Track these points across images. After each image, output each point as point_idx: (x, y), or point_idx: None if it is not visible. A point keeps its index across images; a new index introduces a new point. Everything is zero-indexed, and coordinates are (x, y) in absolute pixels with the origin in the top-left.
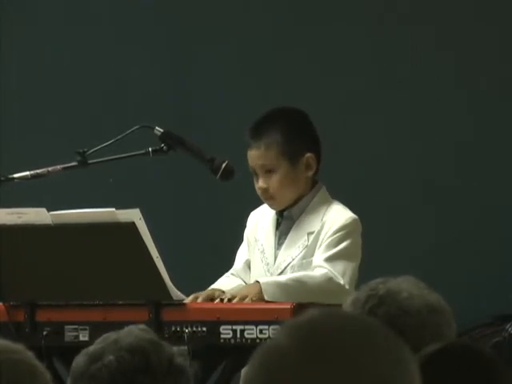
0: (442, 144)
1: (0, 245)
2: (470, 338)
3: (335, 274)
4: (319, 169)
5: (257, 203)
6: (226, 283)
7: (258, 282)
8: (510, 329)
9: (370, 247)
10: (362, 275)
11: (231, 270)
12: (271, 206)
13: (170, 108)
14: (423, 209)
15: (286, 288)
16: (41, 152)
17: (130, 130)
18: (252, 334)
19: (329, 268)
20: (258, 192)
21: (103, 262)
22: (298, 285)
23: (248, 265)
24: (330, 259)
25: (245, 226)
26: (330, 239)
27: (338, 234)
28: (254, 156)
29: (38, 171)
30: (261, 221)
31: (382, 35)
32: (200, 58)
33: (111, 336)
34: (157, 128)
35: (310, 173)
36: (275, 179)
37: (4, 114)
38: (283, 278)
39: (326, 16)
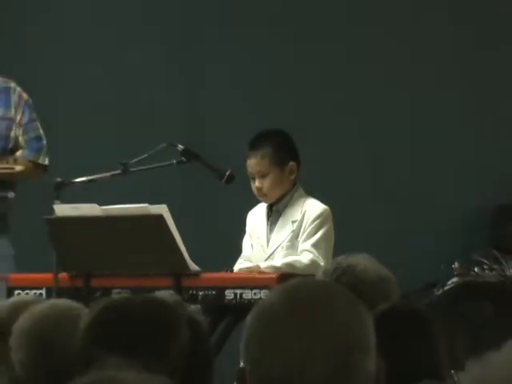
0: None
1: (64, 231)
2: (409, 300)
3: (318, 257)
4: (299, 173)
5: (251, 199)
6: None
7: (258, 265)
8: (436, 292)
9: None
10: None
11: (241, 256)
12: (264, 201)
13: (186, 126)
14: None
15: (279, 270)
16: (89, 162)
17: (159, 147)
18: (248, 295)
19: (314, 252)
20: (254, 191)
21: (139, 243)
22: (289, 268)
23: (252, 248)
24: (313, 245)
25: (245, 222)
26: (310, 227)
27: (316, 222)
28: (252, 164)
29: (93, 177)
30: (256, 216)
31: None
32: (210, 84)
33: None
34: (179, 145)
35: (293, 176)
36: (267, 181)
37: (59, 131)
38: (278, 263)
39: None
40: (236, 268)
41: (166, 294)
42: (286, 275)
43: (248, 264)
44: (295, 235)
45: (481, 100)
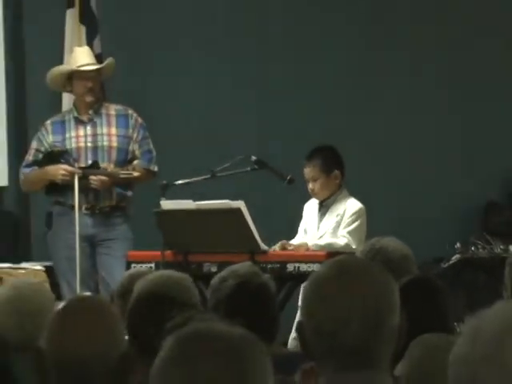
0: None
1: (168, 220)
2: (423, 271)
3: (351, 241)
4: (343, 179)
5: (307, 196)
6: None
7: (306, 243)
8: (443, 266)
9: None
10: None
11: (297, 236)
12: (316, 198)
13: (257, 140)
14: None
15: (322, 248)
16: (186, 168)
17: (238, 157)
18: (304, 268)
19: (348, 238)
20: (309, 191)
21: (223, 229)
22: (329, 247)
23: (305, 232)
24: (349, 232)
25: (302, 213)
26: (348, 219)
27: (353, 217)
28: (307, 171)
29: (189, 180)
30: (310, 208)
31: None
32: (275, 108)
33: (231, 268)
34: (252, 156)
35: (337, 181)
36: (318, 184)
37: (166, 145)
38: (322, 242)
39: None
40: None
41: (247, 265)
42: (332, 253)
43: (299, 241)
44: (338, 225)
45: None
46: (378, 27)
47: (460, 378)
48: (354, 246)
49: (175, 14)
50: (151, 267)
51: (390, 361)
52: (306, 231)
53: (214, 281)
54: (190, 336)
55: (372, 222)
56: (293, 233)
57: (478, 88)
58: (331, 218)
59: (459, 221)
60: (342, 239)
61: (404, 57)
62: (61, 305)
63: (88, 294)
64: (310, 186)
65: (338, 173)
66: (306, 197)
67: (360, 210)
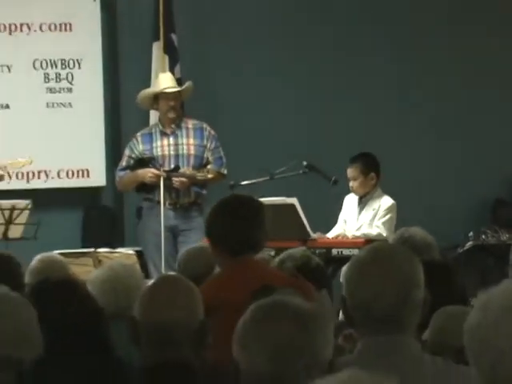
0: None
1: None
2: (443, 256)
3: (384, 230)
4: (379, 180)
5: (348, 192)
6: (335, 232)
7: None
8: (459, 251)
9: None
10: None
11: (337, 224)
12: (355, 194)
13: (308, 146)
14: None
15: (361, 236)
16: (250, 171)
17: (293, 162)
18: (346, 252)
19: (381, 228)
20: (350, 187)
21: (280, 220)
22: (365, 236)
23: (345, 222)
24: (382, 223)
25: (342, 204)
26: (383, 213)
27: (386, 211)
28: (349, 172)
29: (252, 181)
30: (350, 201)
31: None
32: (325, 116)
33: (288, 252)
34: (304, 162)
35: (373, 182)
36: (357, 183)
37: (233, 152)
38: (358, 233)
39: None
40: (333, 232)
41: (301, 250)
42: (369, 240)
43: (340, 231)
44: (373, 217)
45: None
46: (423, 42)
47: (473, 341)
48: (385, 235)
49: (238, 44)
50: None
51: (416, 328)
52: (345, 221)
53: (274, 262)
54: (269, 304)
55: (402, 213)
56: (334, 220)
57: (489, 97)
58: (368, 212)
59: (473, 214)
60: (375, 229)
61: (431, 69)
62: (149, 282)
63: (171, 273)
64: (351, 183)
65: (374, 175)
66: (344, 194)
67: (392, 205)
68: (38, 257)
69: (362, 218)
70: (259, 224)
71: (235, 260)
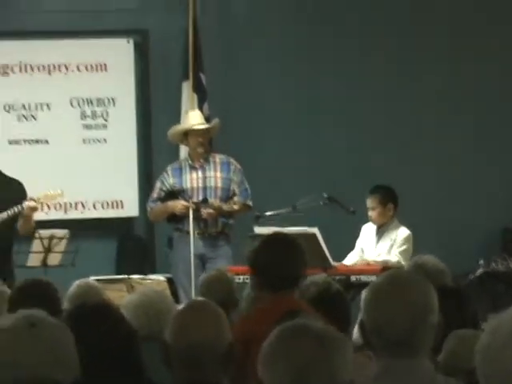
0: None
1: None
2: (455, 282)
3: (401, 258)
4: (396, 211)
5: (365, 221)
6: (351, 258)
7: (365, 259)
8: (470, 278)
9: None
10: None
11: (354, 250)
12: (373, 223)
13: (321, 183)
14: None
15: (379, 263)
16: (273, 203)
17: (313, 195)
18: (364, 279)
19: (399, 257)
20: (369, 218)
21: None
22: (384, 263)
23: (362, 250)
24: (400, 253)
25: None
26: (400, 242)
27: (403, 241)
28: (368, 202)
29: (275, 212)
30: (368, 230)
31: None
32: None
33: (310, 278)
34: (324, 194)
35: (391, 213)
36: (375, 213)
37: (257, 185)
38: (378, 259)
39: None
40: (351, 259)
41: (322, 277)
42: (386, 268)
43: (357, 258)
44: (391, 247)
45: None
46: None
47: (484, 362)
48: (403, 263)
49: (261, 83)
50: (246, 278)
51: (430, 350)
52: (362, 250)
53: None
54: (292, 326)
55: (416, 241)
56: (353, 247)
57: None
58: (386, 241)
59: (483, 243)
60: (394, 257)
61: (446, 86)
62: (180, 307)
63: (200, 298)
64: (370, 213)
65: (392, 206)
66: (362, 223)
67: (408, 236)
68: (76, 283)
69: (379, 247)
70: (301, 263)
71: (275, 295)
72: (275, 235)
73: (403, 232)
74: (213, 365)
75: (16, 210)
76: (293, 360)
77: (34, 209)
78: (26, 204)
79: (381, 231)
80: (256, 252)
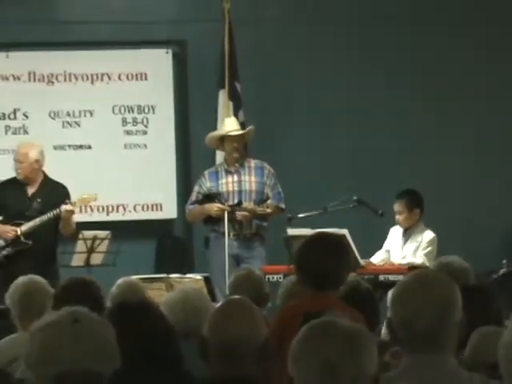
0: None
1: (292, 243)
2: (480, 280)
3: (426, 260)
4: (422, 215)
5: (393, 224)
6: (377, 257)
7: (392, 261)
8: (494, 276)
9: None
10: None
11: (381, 250)
12: (400, 226)
13: (356, 185)
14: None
15: (406, 265)
16: (305, 205)
17: (344, 197)
18: (392, 278)
19: (424, 258)
20: (396, 221)
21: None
22: (410, 264)
23: (388, 252)
24: (425, 254)
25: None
26: (425, 245)
27: (428, 243)
28: (396, 206)
29: (306, 214)
30: (395, 233)
31: None
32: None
33: None
34: (354, 197)
35: (417, 217)
36: (402, 217)
37: (289, 189)
38: (404, 261)
39: None
40: (377, 258)
41: (351, 276)
42: (412, 268)
43: (384, 257)
44: (416, 249)
45: None
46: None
47: (507, 357)
48: (427, 264)
49: (290, 88)
50: (280, 277)
51: (454, 346)
52: (388, 251)
53: None
54: (319, 324)
55: (444, 244)
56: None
57: None
58: (412, 244)
59: (507, 243)
60: (419, 259)
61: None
62: (216, 304)
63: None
64: (397, 216)
65: (418, 210)
66: (390, 225)
67: (433, 238)
68: (119, 281)
69: (406, 249)
70: (345, 264)
71: (317, 294)
72: (320, 235)
73: (428, 235)
74: (248, 358)
75: (54, 212)
76: (320, 357)
77: (71, 212)
78: (63, 207)
79: (407, 234)
80: (300, 251)
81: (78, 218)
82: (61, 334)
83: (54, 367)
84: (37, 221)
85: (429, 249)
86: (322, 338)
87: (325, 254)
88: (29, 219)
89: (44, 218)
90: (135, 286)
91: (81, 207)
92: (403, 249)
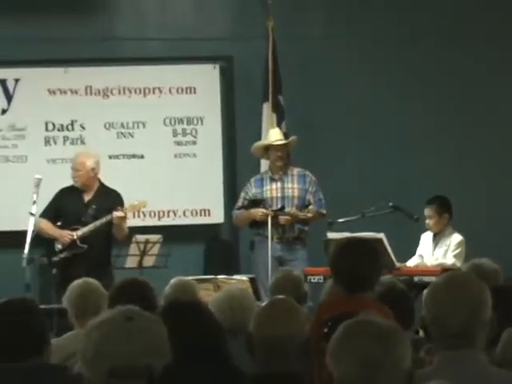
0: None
1: (332, 246)
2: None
3: (455, 262)
4: (451, 219)
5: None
6: (412, 263)
7: (425, 263)
8: None
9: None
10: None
11: (415, 256)
12: (430, 231)
13: (394, 193)
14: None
15: (438, 266)
16: (345, 211)
17: (381, 204)
18: (426, 279)
19: (454, 260)
20: (426, 225)
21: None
22: (441, 266)
23: (421, 257)
24: (454, 256)
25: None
26: (454, 247)
27: (457, 245)
28: (426, 211)
29: (346, 219)
30: (426, 237)
31: None
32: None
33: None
34: (390, 203)
35: (446, 221)
36: (432, 221)
37: (332, 196)
38: (435, 263)
39: None
40: (413, 263)
41: (387, 277)
42: (445, 269)
43: (418, 261)
44: (445, 252)
45: None
46: None
47: None
48: (458, 265)
49: (330, 100)
50: (320, 279)
51: (483, 344)
52: (421, 256)
53: None
54: (356, 322)
55: (475, 248)
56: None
57: None
58: (442, 247)
59: None
60: (449, 260)
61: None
62: (261, 304)
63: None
64: (427, 221)
65: (447, 215)
66: (425, 229)
67: (461, 241)
68: (172, 281)
69: (436, 253)
70: (377, 267)
71: (350, 296)
72: (352, 239)
73: (456, 238)
74: (292, 355)
75: (107, 218)
76: (358, 354)
77: (122, 218)
78: (115, 214)
79: (437, 238)
80: (333, 254)
81: (131, 222)
82: (115, 332)
83: (107, 363)
84: (91, 226)
85: (458, 250)
86: (357, 336)
87: (356, 257)
88: (84, 224)
89: (98, 223)
90: (188, 286)
91: (134, 213)
92: (434, 253)
